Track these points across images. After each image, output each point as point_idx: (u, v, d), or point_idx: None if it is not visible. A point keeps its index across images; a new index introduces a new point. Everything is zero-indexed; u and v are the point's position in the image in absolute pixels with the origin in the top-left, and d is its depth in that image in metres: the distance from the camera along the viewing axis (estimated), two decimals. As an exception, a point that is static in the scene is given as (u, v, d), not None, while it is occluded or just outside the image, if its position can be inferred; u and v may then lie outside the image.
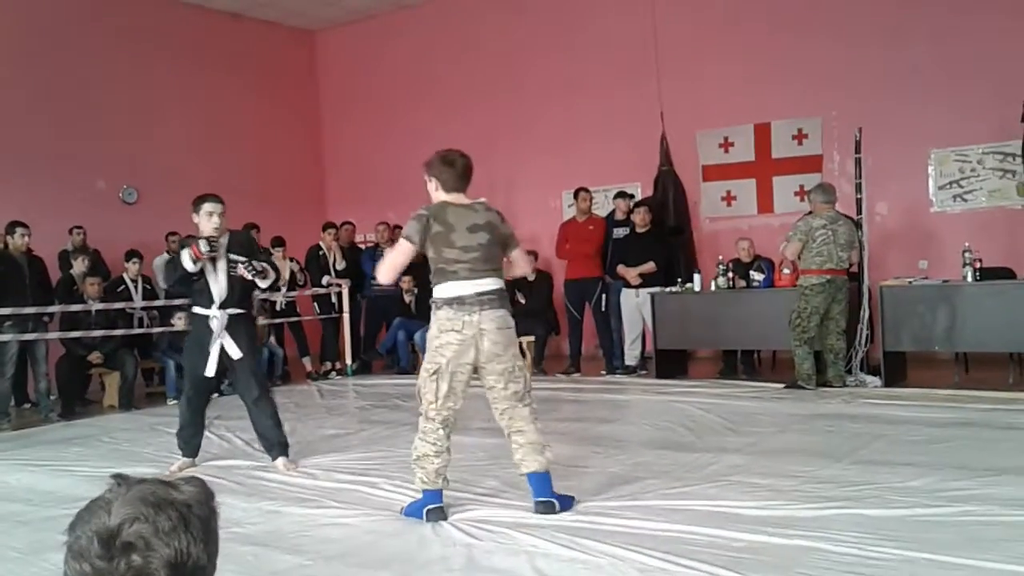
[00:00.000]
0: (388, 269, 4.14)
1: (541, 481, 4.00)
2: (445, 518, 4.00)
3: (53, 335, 8.13)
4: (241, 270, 5.13)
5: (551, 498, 3.97)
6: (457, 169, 4.04)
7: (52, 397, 8.14)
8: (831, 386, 7.24)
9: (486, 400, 4.13)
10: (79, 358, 8.27)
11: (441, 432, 4.00)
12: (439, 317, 3.97)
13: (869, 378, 7.33)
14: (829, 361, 7.36)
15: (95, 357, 8.29)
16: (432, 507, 4.00)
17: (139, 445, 6.43)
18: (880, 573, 3.10)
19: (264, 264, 5.26)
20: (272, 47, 12.48)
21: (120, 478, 1.16)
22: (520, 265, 4.36)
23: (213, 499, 1.20)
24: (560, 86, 10.94)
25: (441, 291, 3.97)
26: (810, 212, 7.60)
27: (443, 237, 3.93)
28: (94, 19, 10.44)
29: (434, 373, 3.96)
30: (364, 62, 12.57)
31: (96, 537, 1.07)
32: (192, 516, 1.13)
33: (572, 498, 4.09)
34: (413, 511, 4.08)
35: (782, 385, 7.41)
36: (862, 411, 6.25)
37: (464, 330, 3.90)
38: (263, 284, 5.31)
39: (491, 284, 3.98)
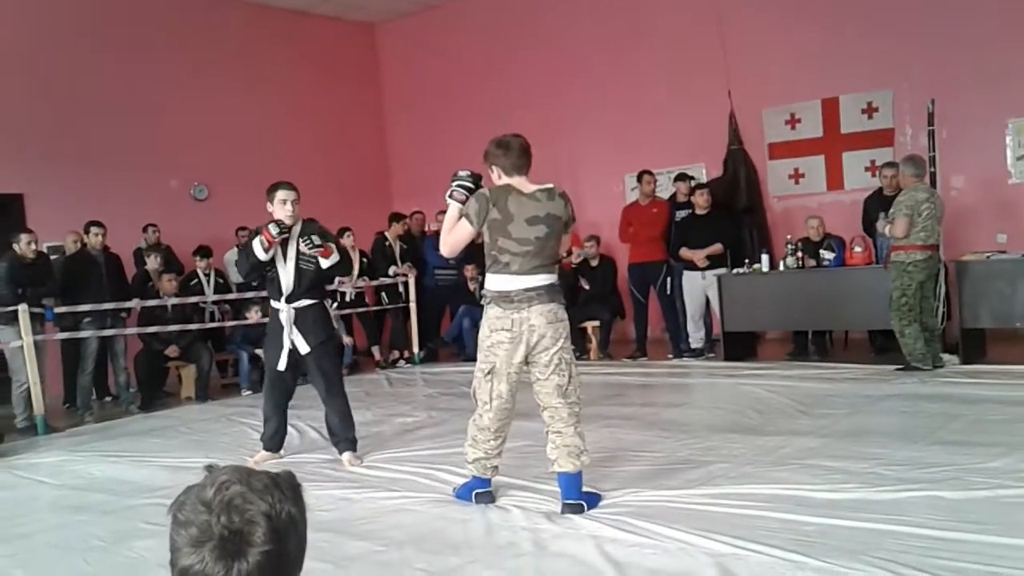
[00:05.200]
0: (450, 246, 4.09)
1: (570, 482, 3.90)
2: (493, 500, 4.14)
3: (131, 330, 8.39)
4: (302, 246, 5.13)
5: (579, 499, 3.89)
6: (514, 151, 3.97)
7: (131, 390, 8.42)
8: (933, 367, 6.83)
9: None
10: (156, 352, 8.52)
11: (493, 443, 4.05)
12: (489, 316, 3.95)
13: (947, 356, 7.10)
14: (924, 340, 6.92)
15: (172, 351, 8.53)
16: (481, 491, 4.16)
17: (215, 435, 6.62)
18: (960, 558, 3.00)
19: (328, 244, 5.20)
20: (335, 41, 12.60)
21: (211, 468, 1.30)
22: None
23: (296, 478, 1.35)
24: (621, 68, 10.82)
25: (492, 282, 3.96)
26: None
27: (500, 226, 3.87)
28: (162, 23, 10.68)
29: (488, 373, 3.95)
30: (425, 53, 12.61)
31: (199, 501, 1.22)
32: (280, 480, 1.29)
33: (599, 496, 4.01)
34: (464, 494, 4.22)
35: (893, 368, 6.93)
36: (939, 390, 6.07)
37: (514, 327, 3.87)
38: (326, 264, 5.20)
39: (542, 280, 3.91)
